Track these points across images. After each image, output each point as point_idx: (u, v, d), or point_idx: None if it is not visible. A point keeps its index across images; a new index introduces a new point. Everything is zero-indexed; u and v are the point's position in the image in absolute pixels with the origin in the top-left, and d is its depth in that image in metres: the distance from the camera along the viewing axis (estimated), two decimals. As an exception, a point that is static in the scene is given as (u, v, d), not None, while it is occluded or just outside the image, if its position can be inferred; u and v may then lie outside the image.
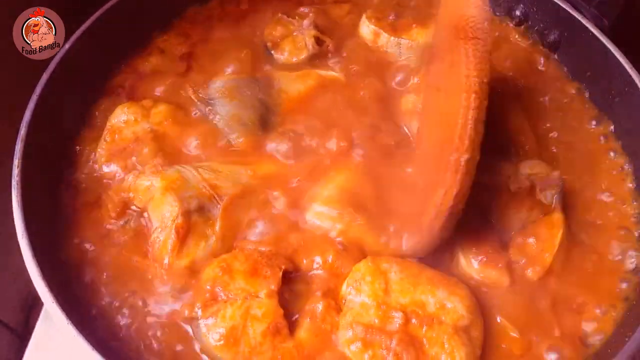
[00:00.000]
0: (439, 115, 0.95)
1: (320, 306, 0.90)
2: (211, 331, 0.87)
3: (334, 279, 0.94)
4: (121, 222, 0.99)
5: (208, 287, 0.90)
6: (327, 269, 0.95)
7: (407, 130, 1.15)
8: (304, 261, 0.96)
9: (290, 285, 0.92)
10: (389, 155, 1.10)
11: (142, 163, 1.05)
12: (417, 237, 0.95)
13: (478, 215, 1.00)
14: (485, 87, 0.83)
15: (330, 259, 0.95)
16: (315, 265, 0.95)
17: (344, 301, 0.92)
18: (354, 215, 0.99)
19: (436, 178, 0.87)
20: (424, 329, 0.86)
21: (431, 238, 0.92)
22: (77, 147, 1.12)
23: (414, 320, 0.86)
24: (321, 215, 1.00)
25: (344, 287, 0.92)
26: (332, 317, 0.90)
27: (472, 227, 0.99)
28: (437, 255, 0.98)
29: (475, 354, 0.87)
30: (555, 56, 1.33)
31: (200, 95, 1.17)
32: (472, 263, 0.97)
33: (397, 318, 0.86)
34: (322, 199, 1.02)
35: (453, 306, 0.88)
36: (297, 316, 0.90)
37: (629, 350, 0.84)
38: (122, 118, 1.11)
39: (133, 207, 0.96)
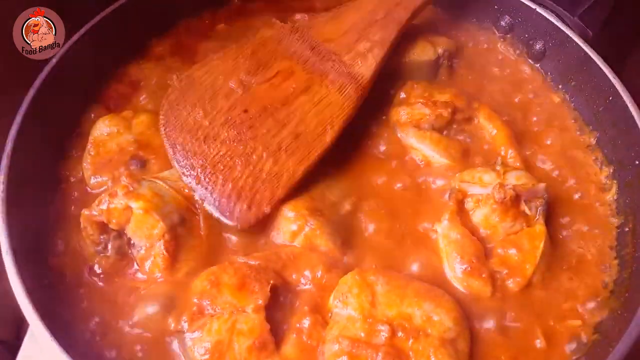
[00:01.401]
0: None
1: (307, 322, 0.90)
2: (197, 345, 0.87)
3: (322, 293, 0.93)
4: (102, 244, 0.98)
5: (195, 300, 0.90)
6: (316, 283, 0.94)
7: (401, 138, 1.16)
8: (293, 275, 0.95)
9: (278, 300, 0.92)
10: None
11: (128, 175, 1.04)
12: None
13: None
14: None
15: (319, 273, 0.95)
16: (304, 280, 0.95)
17: (330, 314, 0.91)
18: (307, 219, 0.99)
19: None
20: (410, 342, 0.85)
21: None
22: (66, 161, 1.12)
23: (400, 333, 0.86)
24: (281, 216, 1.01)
25: (330, 300, 0.92)
26: (319, 333, 0.89)
27: (455, 236, 0.99)
28: (421, 265, 0.99)
29: (462, 366, 0.87)
30: (540, 66, 1.34)
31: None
32: (456, 272, 0.98)
33: (384, 331, 0.86)
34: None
35: (439, 318, 0.88)
36: (283, 331, 0.90)
37: (613, 360, 0.84)
38: (104, 130, 1.12)
39: (111, 226, 0.96)
